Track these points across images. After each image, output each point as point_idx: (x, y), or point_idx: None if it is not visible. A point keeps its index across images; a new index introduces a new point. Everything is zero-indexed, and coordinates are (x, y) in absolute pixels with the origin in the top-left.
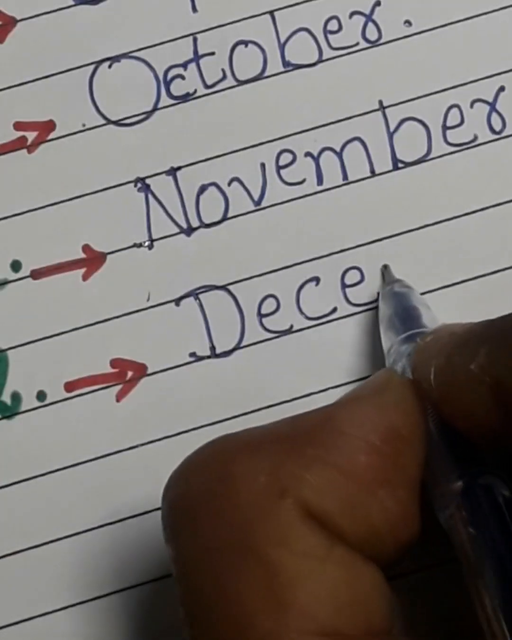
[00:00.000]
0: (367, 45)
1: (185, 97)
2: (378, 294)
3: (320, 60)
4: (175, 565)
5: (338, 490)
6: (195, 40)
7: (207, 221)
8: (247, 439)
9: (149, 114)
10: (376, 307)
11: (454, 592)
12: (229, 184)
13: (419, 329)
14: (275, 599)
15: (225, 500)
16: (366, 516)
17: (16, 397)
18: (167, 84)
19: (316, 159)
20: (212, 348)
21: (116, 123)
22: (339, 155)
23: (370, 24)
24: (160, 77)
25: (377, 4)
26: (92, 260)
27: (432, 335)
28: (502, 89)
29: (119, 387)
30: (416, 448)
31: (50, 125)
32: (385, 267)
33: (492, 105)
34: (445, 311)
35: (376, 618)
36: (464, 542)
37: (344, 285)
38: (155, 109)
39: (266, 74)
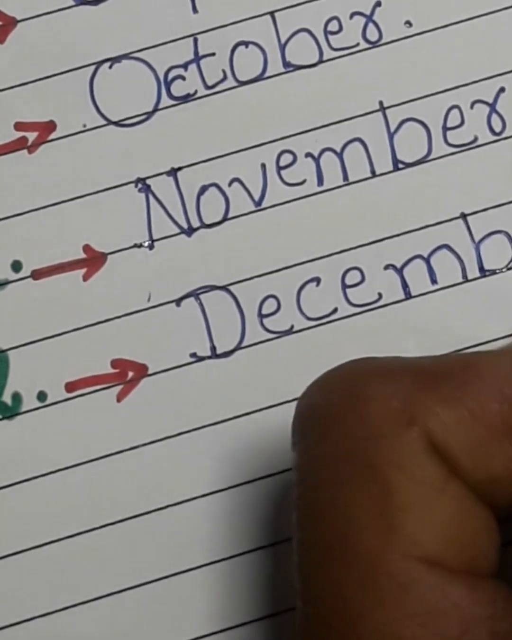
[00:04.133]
0: (368, 45)
1: (186, 98)
2: None
3: (320, 61)
4: (296, 470)
5: (465, 431)
6: (195, 40)
7: (207, 221)
8: (387, 364)
9: (149, 115)
10: (377, 307)
11: None
12: (230, 185)
13: None
14: (385, 518)
15: (355, 416)
16: (487, 461)
17: (17, 397)
18: (168, 85)
19: (317, 160)
20: (213, 348)
21: (117, 123)
22: (340, 155)
23: (370, 25)
24: (161, 77)
25: (378, 4)
26: (93, 260)
27: None
28: (502, 90)
29: (119, 387)
30: None
31: (50, 126)
32: None
33: (493, 106)
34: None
35: (481, 559)
36: None
37: (344, 286)
38: (155, 109)
39: (267, 74)
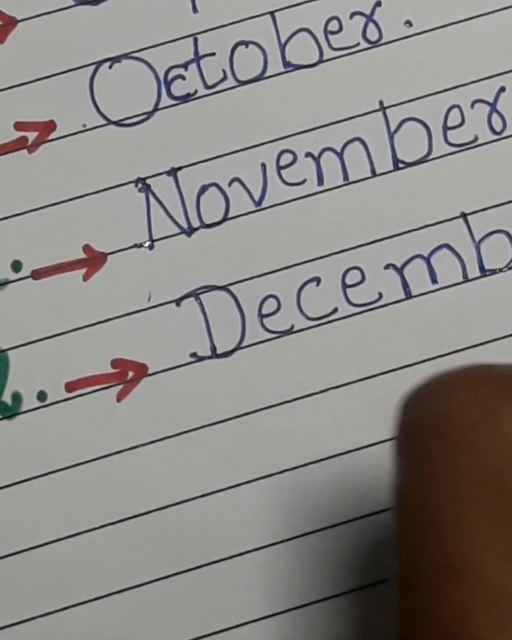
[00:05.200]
0: (368, 45)
1: (186, 98)
2: None
3: (320, 61)
4: (405, 478)
5: None
6: (195, 40)
7: (207, 221)
8: None
9: (149, 115)
10: (377, 307)
11: None
12: (230, 185)
13: None
14: (509, 543)
15: (487, 435)
16: None
17: (17, 397)
18: (168, 85)
19: (317, 159)
20: (213, 348)
21: (117, 123)
22: (340, 155)
23: (370, 25)
24: (161, 77)
25: (378, 4)
26: (93, 260)
27: None
28: (502, 89)
29: (119, 387)
30: None
31: (50, 126)
32: None
33: (493, 106)
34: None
35: None
36: None
37: (344, 286)
38: (155, 109)
39: (267, 74)
